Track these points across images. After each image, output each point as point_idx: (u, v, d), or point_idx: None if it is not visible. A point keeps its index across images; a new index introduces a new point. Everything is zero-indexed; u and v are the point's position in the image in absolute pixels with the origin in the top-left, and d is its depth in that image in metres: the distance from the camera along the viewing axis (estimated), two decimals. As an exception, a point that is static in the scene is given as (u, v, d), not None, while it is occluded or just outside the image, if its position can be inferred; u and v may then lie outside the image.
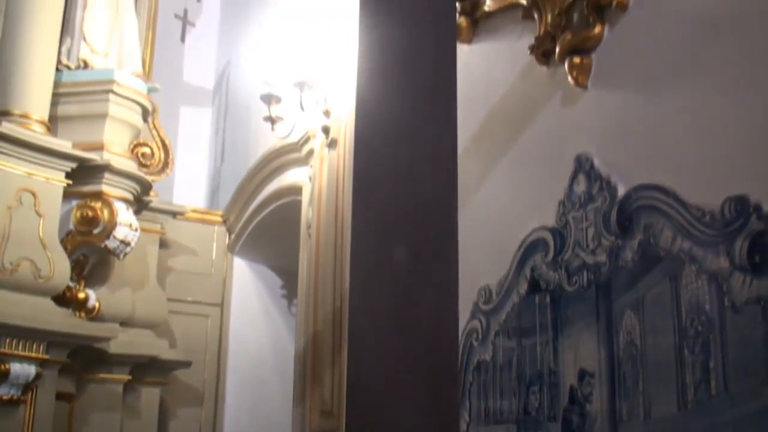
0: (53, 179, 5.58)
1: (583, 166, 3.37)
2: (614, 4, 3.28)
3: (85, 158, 5.78)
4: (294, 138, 5.93)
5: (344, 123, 5.33)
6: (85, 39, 6.23)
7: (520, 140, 3.78)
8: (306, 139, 5.81)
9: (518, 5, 3.85)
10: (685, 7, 3.04)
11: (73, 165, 5.71)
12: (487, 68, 4.11)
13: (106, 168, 5.88)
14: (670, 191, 2.96)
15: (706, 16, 2.93)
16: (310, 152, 5.79)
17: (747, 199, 2.66)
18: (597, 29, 3.36)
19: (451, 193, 1.41)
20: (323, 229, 5.50)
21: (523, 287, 3.57)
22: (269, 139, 6.32)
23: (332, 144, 5.45)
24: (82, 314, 5.75)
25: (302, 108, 5.45)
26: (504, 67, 3.98)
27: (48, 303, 5.38)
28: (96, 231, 5.79)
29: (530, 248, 3.57)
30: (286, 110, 5.79)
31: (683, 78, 3.03)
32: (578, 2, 3.41)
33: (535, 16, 3.70)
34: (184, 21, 6.97)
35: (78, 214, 5.80)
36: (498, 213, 3.83)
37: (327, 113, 5.47)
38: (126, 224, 5.85)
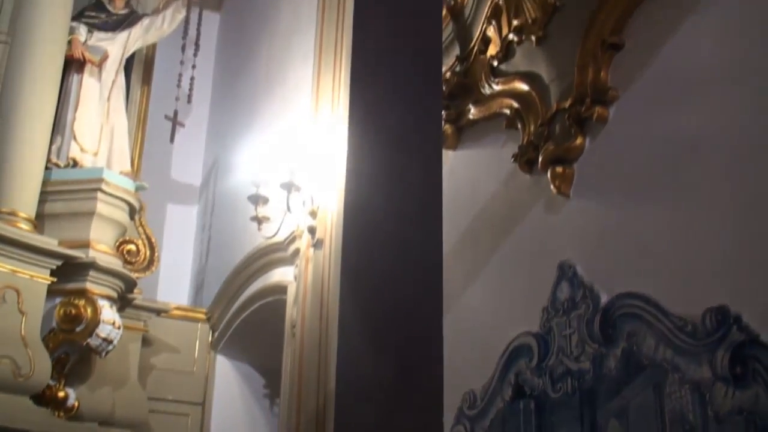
0: (38, 277, 5.58)
1: (566, 273, 3.42)
2: (595, 117, 3.39)
3: (70, 256, 5.79)
4: (280, 237, 5.97)
5: (330, 224, 5.38)
6: (75, 138, 6.32)
7: (505, 246, 3.84)
8: (292, 239, 5.84)
9: (502, 115, 3.96)
10: (662, 123, 3.15)
11: (59, 262, 5.72)
12: (472, 174, 4.19)
13: (91, 266, 5.89)
14: (651, 300, 3.00)
15: (683, 134, 3.03)
16: (296, 252, 5.82)
17: (727, 309, 2.71)
18: (578, 141, 3.46)
19: (436, 299, 1.44)
20: (307, 329, 5.49)
21: (508, 393, 3.57)
22: (255, 238, 6.35)
23: (318, 244, 5.48)
24: (61, 414, 5.67)
25: (289, 209, 5.51)
26: (488, 174, 4.07)
27: (27, 402, 5.31)
28: (79, 329, 5.75)
29: (514, 354, 3.59)
30: (273, 210, 5.85)
31: (662, 189, 3.11)
32: (560, 114, 3.52)
33: (519, 125, 3.80)
34: (174, 122, 7.08)
35: (61, 312, 5.77)
36: (482, 318, 3.86)
37: (313, 213, 5.53)
38: (109, 322, 5.83)
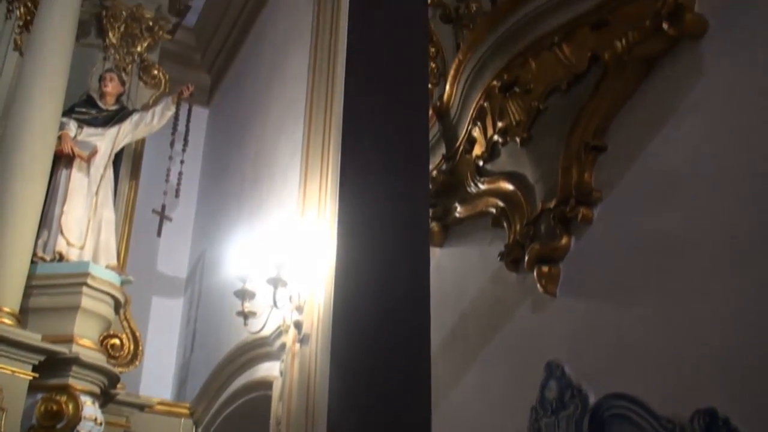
0: (20, 373, 5.52)
1: (553, 372, 3.41)
2: (579, 217, 3.44)
3: (53, 351, 5.74)
4: (266, 332, 5.94)
5: (317, 319, 5.38)
6: (62, 232, 6.34)
7: (492, 344, 3.84)
8: (278, 334, 5.82)
9: (488, 213, 4.01)
10: (646, 223, 3.19)
11: (41, 358, 5.68)
12: (459, 271, 4.22)
13: (74, 361, 5.84)
14: (640, 401, 2.99)
15: (666, 234, 3.08)
16: (282, 347, 5.79)
17: (715, 412, 2.70)
18: (564, 240, 3.50)
19: (425, 396, 1.44)
20: (293, 426, 5.42)
21: (497, 494, 3.52)
22: (241, 332, 6.32)
23: (304, 340, 5.47)
24: None
25: (275, 304, 5.50)
26: (475, 272, 4.09)
27: (4, 502, 5.19)
28: (59, 426, 5.67)
29: (504, 454, 3.55)
30: (259, 305, 5.84)
31: (648, 289, 3.13)
32: (545, 214, 3.57)
33: (505, 224, 3.85)
34: (162, 216, 7.13)
35: (42, 408, 5.70)
36: (470, 417, 3.83)
37: (300, 308, 5.53)
38: (91, 419, 5.75)
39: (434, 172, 4.29)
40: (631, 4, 3.23)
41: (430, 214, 4.27)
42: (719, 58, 3.00)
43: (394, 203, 1.54)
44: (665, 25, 3.08)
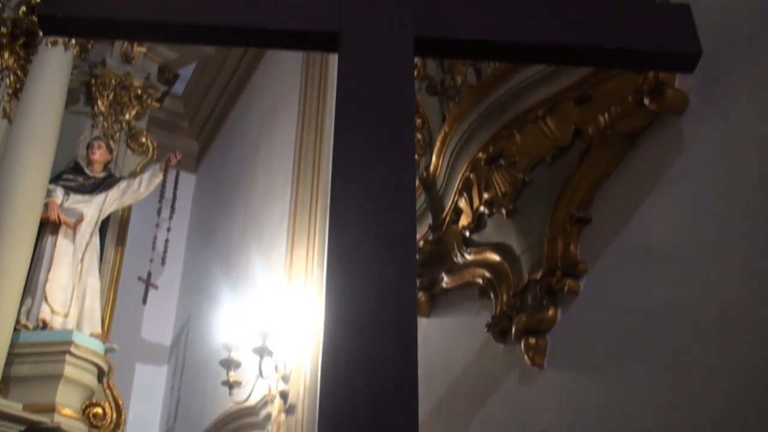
0: (0, 444, 5.43)
1: (541, 445, 3.39)
2: (566, 289, 3.45)
3: (34, 421, 5.67)
4: (251, 401, 5.89)
5: (303, 389, 5.34)
6: (46, 300, 6.30)
7: (479, 416, 3.82)
8: (264, 404, 5.77)
9: (474, 284, 4.02)
10: (632, 295, 3.21)
11: (22, 428, 5.59)
12: (447, 342, 4.21)
13: (55, 431, 5.75)
14: (629, 476, 2.97)
15: (652, 305, 3.09)
16: (268, 417, 5.73)
17: (705, 488, 2.69)
18: (550, 312, 3.51)
19: None
20: (278, 498, 5.34)
21: None
22: (225, 401, 6.26)
23: (290, 410, 5.42)
24: None
25: (261, 374, 5.46)
26: (462, 342, 4.09)
27: None
28: (40, 497, 5.56)
29: None
30: (245, 374, 5.80)
31: (635, 360, 3.13)
32: (532, 285, 3.58)
33: (491, 295, 3.86)
34: (147, 284, 7.10)
35: (20, 481, 5.59)
36: (458, 491, 3.79)
37: (286, 378, 5.49)
38: (72, 490, 5.64)
39: (421, 242, 4.31)
40: (613, 79, 3.30)
41: (417, 284, 4.27)
42: (700, 133, 3.06)
43: (381, 272, 1.55)
44: (647, 101, 3.14)
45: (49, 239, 6.56)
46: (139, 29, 1.81)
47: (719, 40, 2.93)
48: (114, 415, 6.60)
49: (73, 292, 6.45)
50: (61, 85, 6.63)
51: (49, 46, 6.64)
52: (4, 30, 6.91)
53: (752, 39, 2.97)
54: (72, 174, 6.98)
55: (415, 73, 4.50)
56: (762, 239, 2.73)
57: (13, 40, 6.94)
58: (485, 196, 3.86)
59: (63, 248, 6.55)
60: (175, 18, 1.72)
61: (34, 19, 6.73)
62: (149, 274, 7.13)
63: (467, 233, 4.06)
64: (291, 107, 7.48)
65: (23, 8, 6.91)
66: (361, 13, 1.75)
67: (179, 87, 10.00)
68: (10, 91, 6.96)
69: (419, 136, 4.68)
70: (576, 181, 3.51)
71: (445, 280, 4.28)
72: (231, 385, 5.76)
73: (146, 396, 7.94)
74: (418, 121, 4.68)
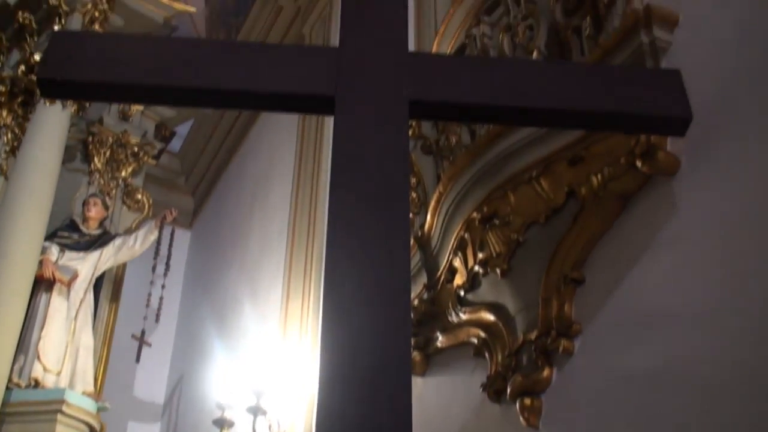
0: (-14, 505, 5.34)
1: (537, 508, 3.35)
2: (560, 349, 3.45)
3: (25, 481, 5.57)
4: (244, 461, 5.81)
5: (296, 449, 5.28)
6: (39, 358, 6.25)
7: (474, 478, 3.78)
8: (256, 464, 5.70)
9: (469, 344, 4.01)
10: (626, 356, 3.20)
11: (12, 488, 5.50)
12: (442, 401, 4.19)
13: (46, 492, 5.66)
14: None
15: (647, 366, 3.08)
16: (261, 478, 5.65)
17: None
18: (545, 373, 3.50)
19: None
20: None
21: None
22: (219, 460, 6.18)
23: (283, 470, 5.35)
24: None
25: (255, 433, 5.41)
26: (457, 402, 4.06)
27: None
28: None
29: None
30: (238, 433, 5.74)
31: (630, 423, 3.12)
32: (526, 346, 3.58)
33: (486, 355, 3.85)
34: (141, 342, 7.07)
35: None
36: None
37: (279, 438, 5.44)
38: None
39: (416, 301, 4.31)
40: (605, 141, 3.33)
41: (412, 343, 4.25)
42: (691, 195, 3.09)
43: (376, 331, 1.55)
44: (639, 163, 3.18)
45: (43, 297, 6.53)
46: (137, 93, 1.83)
47: (709, 103, 2.98)
48: (105, 475, 6.51)
49: (66, 350, 6.40)
50: (58, 143, 6.66)
51: (47, 104, 6.68)
52: (2, 89, 6.97)
53: (741, 102, 3.01)
54: (67, 231, 6.97)
55: (410, 132, 4.55)
56: (756, 301, 2.73)
57: (11, 98, 7.01)
58: (480, 255, 3.88)
59: (57, 306, 6.51)
60: (172, 82, 1.74)
61: (33, 78, 6.81)
62: (143, 332, 7.10)
63: (462, 292, 4.06)
64: (287, 164, 7.53)
65: (22, 67, 6.98)
66: (356, 77, 1.77)
67: (176, 144, 10.07)
68: (8, 149, 6.99)
69: (414, 194, 4.70)
70: (569, 242, 3.53)
71: (440, 340, 4.27)
72: (224, 445, 5.69)
73: (138, 456, 7.84)
74: (413, 180, 4.70)
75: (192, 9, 8.81)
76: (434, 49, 4.96)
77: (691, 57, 3.20)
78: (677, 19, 3.34)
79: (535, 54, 3.85)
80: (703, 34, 3.27)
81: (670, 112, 1.81)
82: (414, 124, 4.71)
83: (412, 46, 5.42)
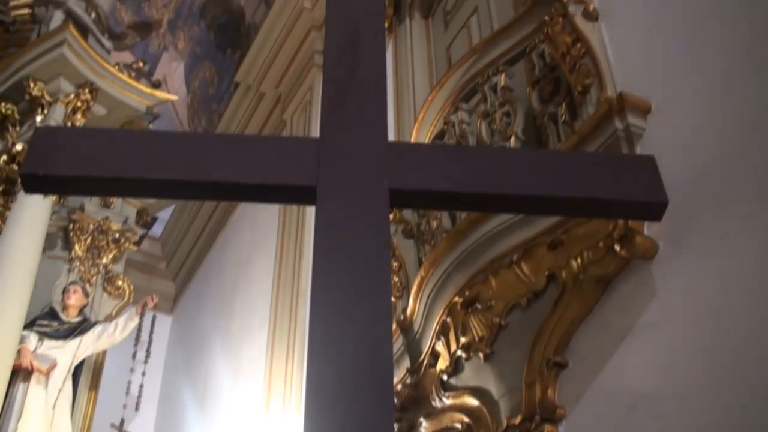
0: None
1: None
2: (545, 435, 3.42)
3: None
4: None
5: None
6: (16, 448, 6.12)
7: None
8: None
9: (453, 429, 3.98)
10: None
11: None
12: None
13: None
14: None
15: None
16: None
17: None
18: (534, 465, 3.46)
19: None
20: None
21: None
22: None
23: None
24: None
25: None
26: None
27: None
28: None
29: None
30: None
31: None
32: (510, 430, 3.55)
33: (472, 440, 3.81)
34: (120, 431, 6.93)
35: None
36: None
37: None
38: None
39: (399, 386, 4.28)
40: (584, 225, 3.37)
41: (396, 428, 4.21)
42: (670, 279, 3.11)
43: (358, 418, 1.54)
44: (617, 247, 3.21)
45: (21, 386, 6.42)
46: (119, 187, 1.85)
47: (685, 187, 3.03)
48: None
49: (43, 438, 6.27)
50: (39, 232, 6.65)
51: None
52: (-17, 178, 6.99)
53: (716, 185, 3.07)
54: (47, 319, 6.89)
55: (391, 217, 4.59)
56: (738, 382, 2.73)
57: (-7, 187, 7.02)
58: (462, 339, 3.87)
59: (34, 396, 6.40)
60: (154, 175, 1.76)
61: (15, 167, 6.83)
62: (122, 421, 6.96)
63: (445, 377, 4.05)
64: (268, 249, 7.54)
65: (4, 157, 7.01)
66: (337, 168, 1.80)
67: (157, 229, 10.08)
68: (-13, 238, 6.97)
69: (396, 278, 4.71)
70: (551, 326, 3.54)
71: (424, 425, 4.22)
72: None
73: None
74: (395, 264, 4.72)
75: (174, 97, 8.91)
76: (414, 135, 5.03)
77: (665, 142, 3.27)
78: (650, 107, 3.43)
79: (512, 140, 3.93)
80: (675, 119, 3.35)
81: (646, 198, 1.84)
82: (395, 209, 4.75)
83: (391, 132, 5.51)
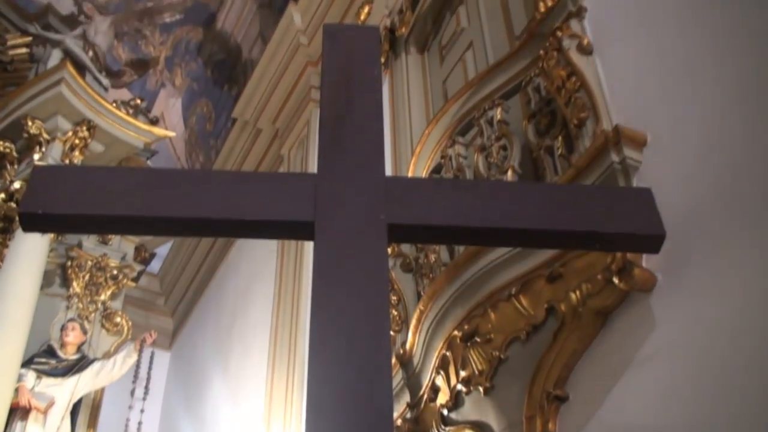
0: None
1: None
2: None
3: None
4: None
5: None
6: None
7: None
8: None
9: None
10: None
11: None
12: None
13: None
14: None
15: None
16: None
17: None
18: None
19: None
20: None
21: None
22: None
23: None
24: None
25: None
26: None
27: None
28: None
29: None
30: None
31: None
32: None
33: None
34: None
35: None
36: None
37: None
38: None
39: (399, 421, 4.26)
40: (583, 257, 3.37)
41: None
42: (668, 311, 3.10)
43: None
44: (616, 279, 3.21)
45: (19, 425, 6.38)
46: (117, 224, 1.86)
47: (682, 218, 3.04)
48: None
49: None
50: (37, 269, 6.65)
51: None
52: (-18, 217, 7.00)
53: (714, 217, 3.07)
54: (45, 357, 6.86)
55: (390, 251, 4.58)
56: (740, 414, 2.72)
57: (-10, 225, 7.03)
58: (462, 373, 3.86)
59: (32, 434, 6.36)
60: (153, 213, 1.76)
61: (12, 205, 6.84)
62: None
63: (445, 411, 4.02)
64: (267, 284, 7.52)
65: (2, 195, 7.02)
66: (334, 203, 1.80)
67: (155, 265, 10.06)
68: (-15, 276, 6.95)
69: (395, 312, 4.70)
70: (551, 359, 3.52)
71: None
72: None
73: None
74: (394, 298, 4.72)
75: (171, 134, 8.95)
76: (411, 170, 5.05)
77: (661, 174, 3.28)
78: (645, 139, 3.44)
79: (509, 173, 3.94)
80: (672, 151, 3.36)
81: (643, 230, 1.85)
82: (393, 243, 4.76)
83: (389, 167, 5.53)
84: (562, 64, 3.92)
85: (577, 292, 3.35)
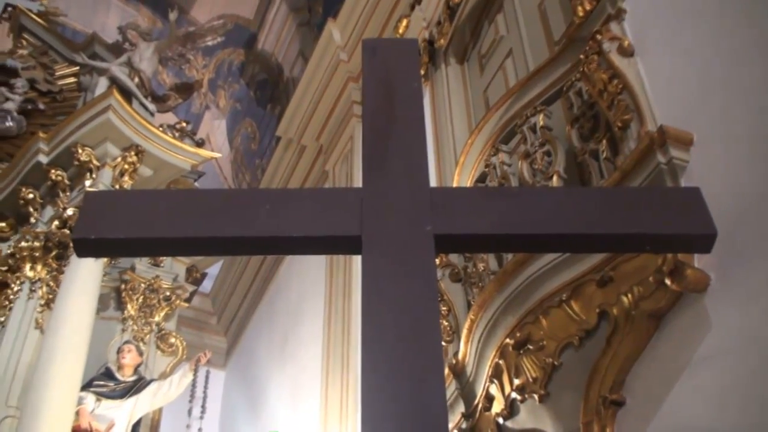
0: None
1: None
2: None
3: None
4: None
5: None
6: None
7: None
8: None
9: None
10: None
11: None
12: None
13: None
14: None
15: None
16: None
17: None
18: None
19: None
20: None
21: None
22: None
23: None
24: None
25: None
26: None
27: None
28: None
29: None
30: None
31: None
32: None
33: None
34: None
35: None
36: None
37: None
38: None
39: (454, 431, 4.25)
40: (633, 260, 3.34)
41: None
42: (723, 311, 3.06)
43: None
44: (668, 281, 3.17)
45: (80, 444, 6.47)
46: (168, 246, 1.88)
47: (733, 217, 3.00)
48: None
49: None
50: (92, 294, 6.75)
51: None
52: (37, 244, 7.13)
53: (764, 215, 3.02)
54: (103, 379, 6.97)
55: (438, 261, 4.59)
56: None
57: (46, 252, 7.16)
58: (516, 381, 3.84)
59: (93, 455, 6.45)
60: (202, 233, 1.79)
61: (66, 231, 6.96)
62: None
63: (501, 420, 4.01)
64: (317, 300, 7.56)
65: (56, 222, 7.15)
66: (381, 216, 1.81)
67: (207, 285, 10.17)
68: (43, 302, 7.09)
69: (445, 323, 4.70)
70: (605, 363, 3.49)
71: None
72: None
73: None
74: (444, 308, 4.71)
75: (217, 155, 9.05)
76: (456, 179, 5.05)
77: (709, 173, 3.24)
78: (692, 138, 3.40)
79: (555, 179, 3.92)
80: (718, 150, 3.32)
81: (694, 230, 1.82)
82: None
83: (433, 178, 5.53)
84: (604, 67, 3.90)
85: (629, 296, 3.32)
